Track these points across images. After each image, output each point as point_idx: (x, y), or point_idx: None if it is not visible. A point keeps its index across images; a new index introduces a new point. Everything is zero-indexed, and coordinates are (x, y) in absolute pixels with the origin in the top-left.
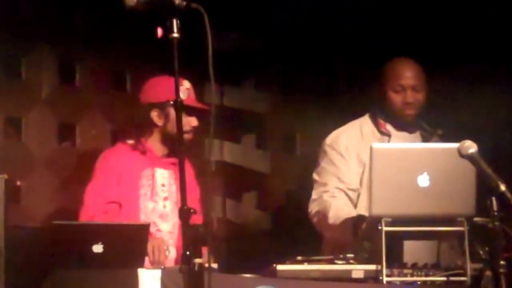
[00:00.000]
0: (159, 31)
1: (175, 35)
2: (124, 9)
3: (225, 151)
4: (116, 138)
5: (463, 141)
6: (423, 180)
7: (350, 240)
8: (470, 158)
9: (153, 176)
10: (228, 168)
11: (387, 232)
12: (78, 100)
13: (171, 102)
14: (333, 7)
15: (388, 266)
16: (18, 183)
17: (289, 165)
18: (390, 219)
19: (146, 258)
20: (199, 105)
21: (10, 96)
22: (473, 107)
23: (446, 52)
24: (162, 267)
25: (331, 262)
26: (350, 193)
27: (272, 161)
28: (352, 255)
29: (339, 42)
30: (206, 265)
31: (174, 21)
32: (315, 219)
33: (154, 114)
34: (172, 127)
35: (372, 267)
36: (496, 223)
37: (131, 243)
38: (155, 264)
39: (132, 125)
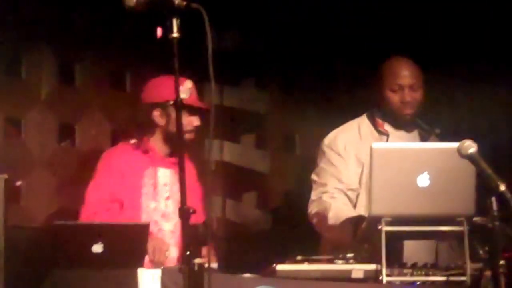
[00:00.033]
0: (159, 31)
1: (175, 35)
2: (124, 9)
3: (225, 151)
4: (116, 138)
5: (463, 141)
6: (423, 180)
7: (350, 241)
8: (470, 157)
9: (155, 175)
10: (228, 168)
11: (387, 232)
12: (78, 100)
13: (172, 102)
14: (333, 7)
15: (388, 266)
16: (18, 183)
17: (288, 165)
18: (390, 219)
19: (146, 258)
20: (201, 104)
21: (10, 96)
22: (472, 107)
23: (445, 51)
24: (162, 267)
25: (331, 262)
26: (349, 193)
27: (272, 161)
28: (352, 255)
29: (339, 42)
30: (206, 265)
31: (174, 21)
32: (314, 220)
33: (156, 114)
34: (174, 127)
35: (372, 267)
36: (496, 223)
37: (131, 243)
38: (155, 264)
39: (133, 125)
